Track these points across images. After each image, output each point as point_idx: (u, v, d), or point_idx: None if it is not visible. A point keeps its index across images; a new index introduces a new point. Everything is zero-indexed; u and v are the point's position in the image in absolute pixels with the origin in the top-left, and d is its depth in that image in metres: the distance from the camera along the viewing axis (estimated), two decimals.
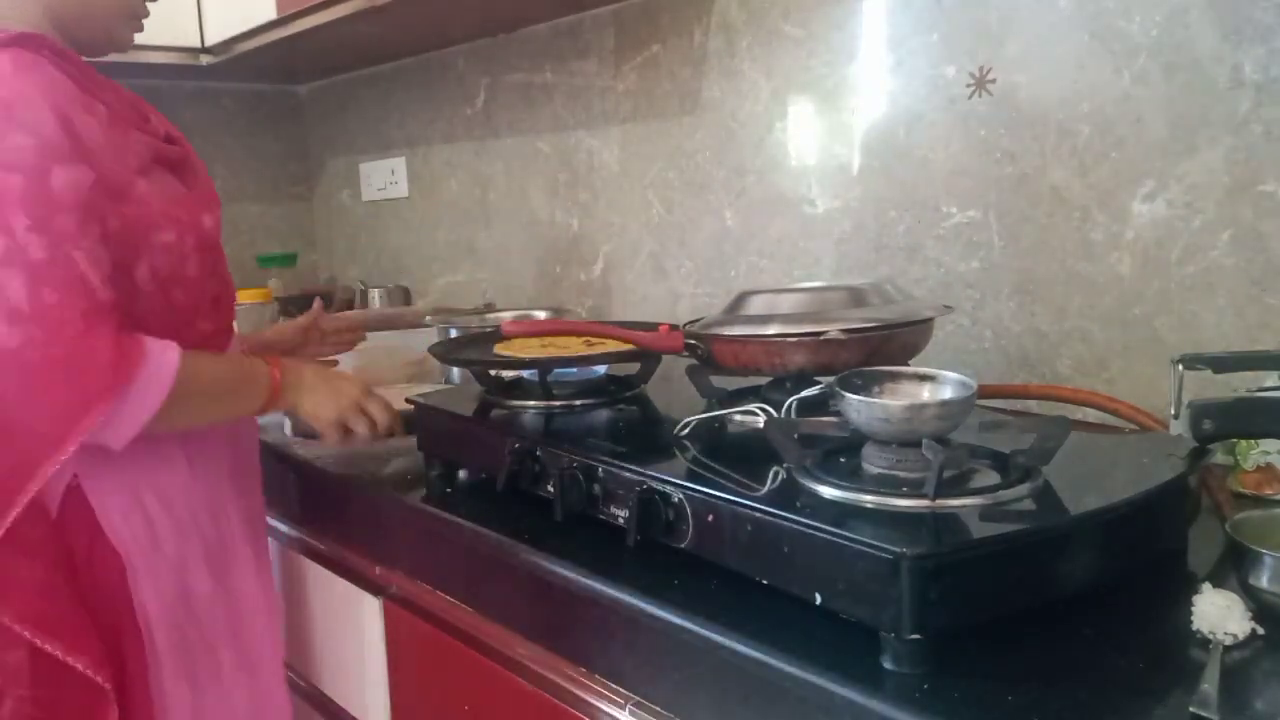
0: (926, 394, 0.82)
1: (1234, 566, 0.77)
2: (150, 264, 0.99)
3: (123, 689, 1.04)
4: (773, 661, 0.68)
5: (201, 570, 1.10)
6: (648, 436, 1.02)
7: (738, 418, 0.96)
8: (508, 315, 1.73)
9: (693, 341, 1.03)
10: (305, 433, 1.33)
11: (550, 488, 0.93)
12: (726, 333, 0.99)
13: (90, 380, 0.89)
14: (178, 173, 1.08)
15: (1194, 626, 0.67)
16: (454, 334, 1.59)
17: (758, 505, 0.73)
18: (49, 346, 0.88)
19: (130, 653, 1.04)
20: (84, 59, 1.06)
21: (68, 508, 1.00)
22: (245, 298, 2.05)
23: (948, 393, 0.80)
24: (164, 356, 0.94)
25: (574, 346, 1.15)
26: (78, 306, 0.90)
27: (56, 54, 0.98)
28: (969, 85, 1.25)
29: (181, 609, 1.08)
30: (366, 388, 1.14)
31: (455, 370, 1.62)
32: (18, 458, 0.91)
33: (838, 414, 0.81)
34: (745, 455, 0.87)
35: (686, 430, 0.94)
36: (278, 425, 1.46)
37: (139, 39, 1.16)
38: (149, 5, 1.12)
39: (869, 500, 0.71)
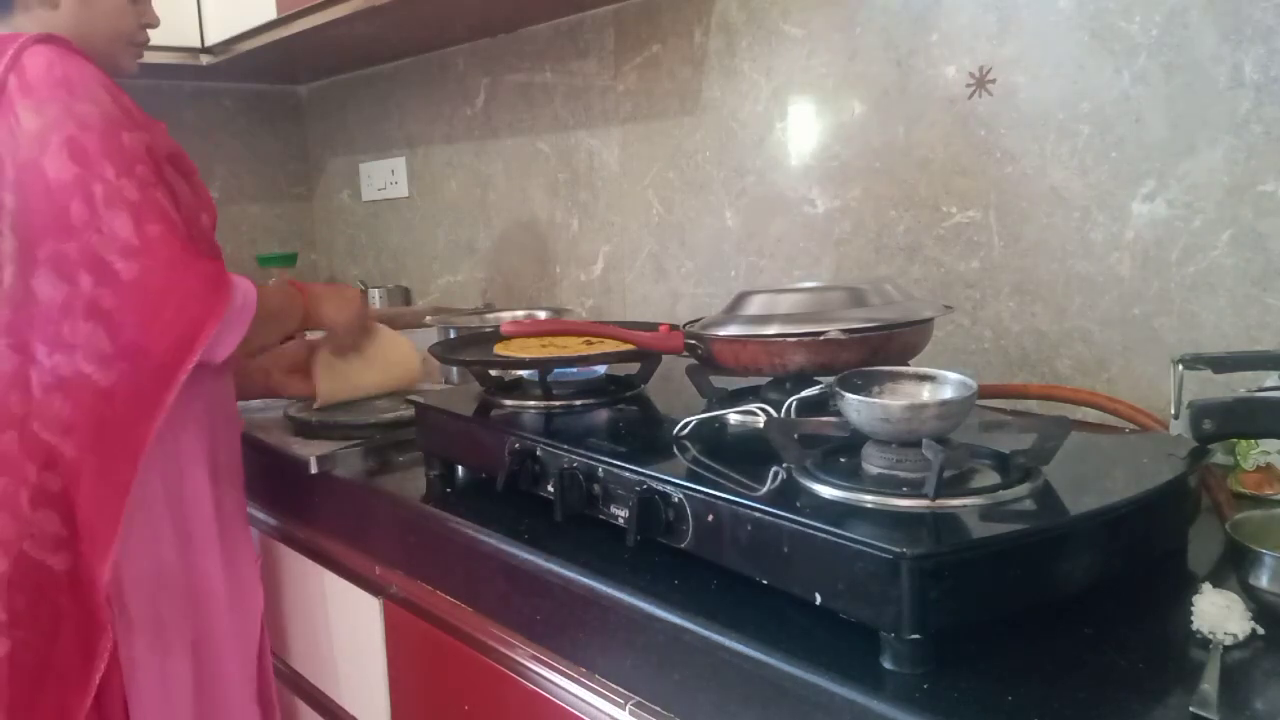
0: (926, 394, 0.82)
1: (1234, 566, 0.77)
2: None
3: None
4: (773, 661, 0.68)
5: (170, 546, 1.15)
6: (648, 436, 1.02)
7: (738, 418, 0.96)
8: (508, 315, 1.72)
9: (693, 341, 1.03)
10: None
11: (550, 488, 0.93)
12: (726, 333, 0.99)
13: (201, 299, 1.01)
14: (183, 174, 1.13)
15: (1194, 626, 0.67)
16: (454, 334, 1.58)
17: (758, 505, 0.73)
18: (163, 272, 0.99)
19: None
20: None
21: (64, 501, 1.04)
22: None
23: (948, 393, 0.80)
24: (245, 282, 1.07)
25: (574, 346, 1.14)
26: (176, 236, 1.01)
27: (76, 53, 1.06)
28: (969, 85, 1.25)
29: (153, 581, 1.12)
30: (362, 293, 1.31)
31: (455, 370, 1.62)
32: (148, 382, 1.01)
33: (838, 414, 0.81)
34: (745, 455, 0.87)
35: (686, 430, 0.94)
36: (278, 425, 1.46)
37: None
38: (149, 32, 1.20)
39: (869, 500, 0.71)
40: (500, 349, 1.17)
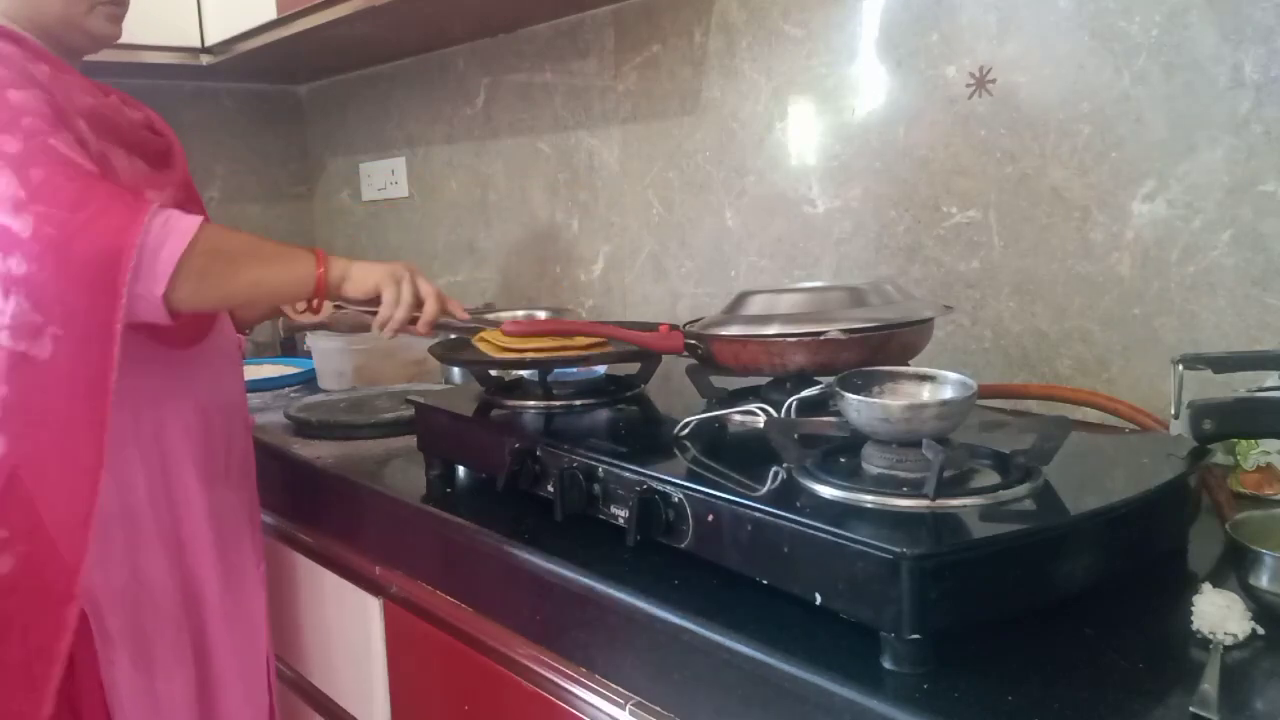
0: (926, 394, 0.82)
1: (1234, 566, 0.77)
2: None
3: (71, 677, 1.02)
4: (773, 661, 0.68)
5: (156, 554, 1.10)
6: (648, 436, 1.02)
7: (738, 418, 0.96)
8: (508, 315, 1.72)
9: (693, 341, 1.03)
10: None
11: (550, 488, 0.93)
12: (726, 333, 0.99)
13: (107, 222, 0.90)
14: (142, 155, 1.08)
15: (1194, 626, 0.67)
16: (454, 334, 1.58)
17: (758, 505, 0.73)
18: (57, 215, 0.90)
19: (79, 641, 1.02)
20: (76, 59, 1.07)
21: (4, 498, 0.97)
22: None
23: (948, 393, 0.80)
24: (184, 215, 0.95)
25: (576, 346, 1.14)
26: (65, 174, 0.92)
27: (10, 39, 1.00)
28: (969, 85, 1.25)
29: (133, 594, 1.08)
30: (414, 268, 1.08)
31: (455, 370, 1.62)
32: (83, 338, 0.92)
33: (838, 414, 0.81)
34: (745, 455, 0.87)
35: (686, 430, 0.94)
36: (278, 425, 1.46)
37: (139, 39, 1.16)
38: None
39: (869, 500, 0.71)
40: (483, 346, 1.17)
